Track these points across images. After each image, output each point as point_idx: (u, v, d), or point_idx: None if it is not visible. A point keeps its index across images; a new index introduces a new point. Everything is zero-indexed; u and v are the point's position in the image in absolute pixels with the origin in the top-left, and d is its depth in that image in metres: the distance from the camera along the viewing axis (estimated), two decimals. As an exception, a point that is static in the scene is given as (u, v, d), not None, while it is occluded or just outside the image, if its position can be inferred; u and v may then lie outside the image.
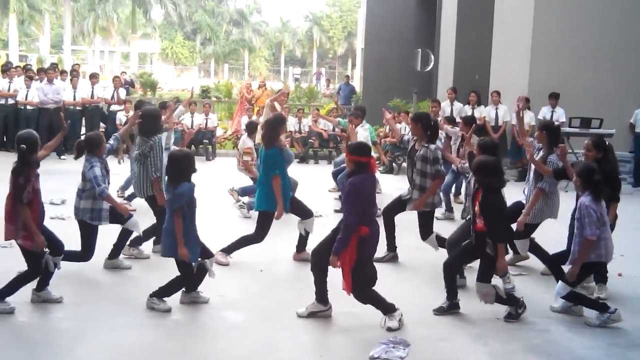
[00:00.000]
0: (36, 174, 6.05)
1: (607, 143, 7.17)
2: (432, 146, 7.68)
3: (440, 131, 10.91)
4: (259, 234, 7.71)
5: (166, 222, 6.15)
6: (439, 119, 13.51)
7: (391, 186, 12.23)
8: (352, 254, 5.76)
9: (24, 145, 5.92)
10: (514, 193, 8.25)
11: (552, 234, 7.96)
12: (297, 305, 6.29)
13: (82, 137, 7.57)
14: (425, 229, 7.86)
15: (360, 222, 5.77)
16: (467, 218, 7.32)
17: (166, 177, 6.49)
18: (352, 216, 5.78)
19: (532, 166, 7.56)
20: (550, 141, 7.55)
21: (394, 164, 15.16)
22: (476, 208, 6.15)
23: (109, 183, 7.21)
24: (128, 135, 9.69)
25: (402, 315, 6.03)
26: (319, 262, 6.15)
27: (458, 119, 14.82)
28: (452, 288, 6.42)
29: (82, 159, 7.20)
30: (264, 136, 7.82)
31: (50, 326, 5.99)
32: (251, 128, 11.16)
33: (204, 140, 17.30)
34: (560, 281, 6.29)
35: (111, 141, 7.52)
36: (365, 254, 5.87)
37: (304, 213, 8.00)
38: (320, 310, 6.17)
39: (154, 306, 6.16)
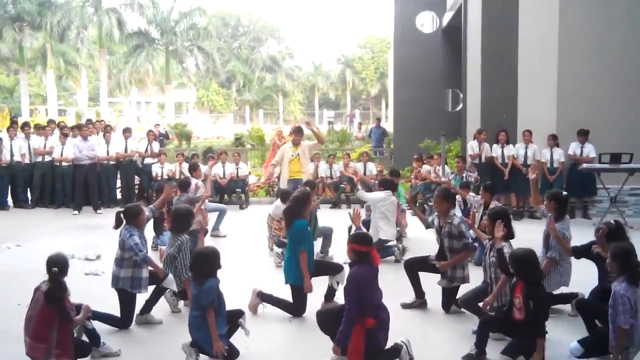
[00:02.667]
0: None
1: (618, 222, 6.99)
2: (455, 220, 7.78)
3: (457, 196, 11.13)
4: (297, 308, 7.84)
5: (191, 317, 6.20)
6: (465, 174, 13.69)
7: (422, 230, 12.16)
8: (360, 347, 5.76)
9: (56, 269, 5.88)
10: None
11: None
12: (323, 356, 6.33)
13: (121, 209, 7.71)
14: (448, 302, 7.93)
15: (364, 314, 5.78)
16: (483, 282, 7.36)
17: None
18: (352, 309, 5.80)
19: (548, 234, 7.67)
20: (559, 211, 7.67)
21: (425, 205, 15.20)
22: (516, 301, 6.11)
23: (147, 250, 7.43)
24: (164, 205, 9.80)
25: None
26: (325, 323, 6.31)
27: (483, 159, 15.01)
28: (482, 342, 6.38)
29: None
30: (290, 211, 7.98)
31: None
32: (284, 196, 11.32)
33: (237, 189, 17.53)
34: (577, 342, 6.19)
35: (147, 212, 7.74)
36: (375, 344, 5.87)
37: (333, 270, 8.14)
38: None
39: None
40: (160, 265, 7.82)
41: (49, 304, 5.78)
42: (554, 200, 7.80)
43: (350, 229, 6.32)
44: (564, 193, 8.13)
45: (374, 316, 5.86)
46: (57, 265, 5.92)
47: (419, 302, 8.18)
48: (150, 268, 7.46)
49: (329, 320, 6.25)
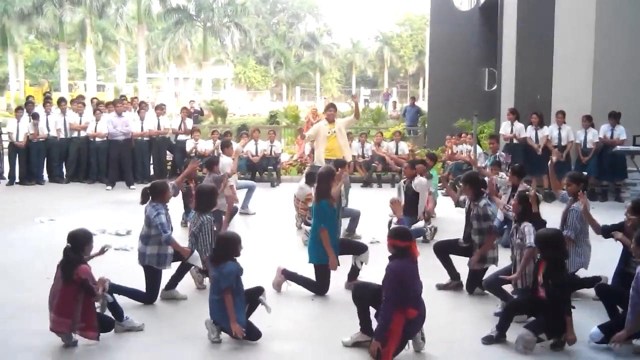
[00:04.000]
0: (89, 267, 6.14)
1: None
2: (481, 202, 7.77)
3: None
4: (321, 287, 7.87)
5: (213, 294, 6.28)
6: (498, 154, 13.47)
7: (451, 210, 12.10)
8: (398, 335, 5.80)
9: (69, 244, 6.07)
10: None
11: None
12: (344, 335, 6.39)
13: (148, 185, 7.81)
14: (472, 284, 7.93)
15: (406, 304, 5.82)
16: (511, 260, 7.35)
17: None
18: (390, 302, 5.81)
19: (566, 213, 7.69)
20: (577, 191, 7.60)
21: (456, 186, 15.14)
22: (539, 278, 6.13)
23: (172, 229, 7.54)
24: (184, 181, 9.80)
25: None
26: (361, 295, 6.29)
27: (515, 140, 14.85)
28: (505, 326, 6.38)
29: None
30: (317, 190, 8.04)
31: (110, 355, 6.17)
32: (310, 178, 11.36)
33: (269, 167, 17.60)
34: (597, 327, 6.21)
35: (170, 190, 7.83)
36: (409, 336, 5.95)
37: (357, 250, 8.13)
38: (365, 340, 6.20)
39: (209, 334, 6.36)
40: (185, 244, 7.89)
41: (64, 278, 5.92)
42: (573, 180, 7.73)
43: (390, 223, 6.28)
44: (584, 173, 8.04)
45: (416, 307, 5.90)
46: (72, 241, 6.07)
47: (455, 284, 8.16)
48: None
49: (364, 295, 6.26)
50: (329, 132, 12.51)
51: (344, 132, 12.74)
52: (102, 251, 6.91)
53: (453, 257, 8.23)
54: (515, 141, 15.26)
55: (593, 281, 7.62)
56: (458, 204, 8.48)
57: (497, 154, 13.71)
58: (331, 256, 7.75)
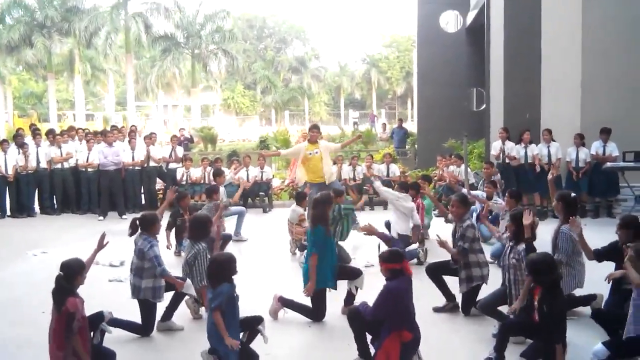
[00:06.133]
0: (81, 300, 6.01)
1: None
2: (465, 223, 7.81)
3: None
4: (318, 313, 7.86)
5: (209, 325, 6.17)
6: (495, 178, 13.38)
7: (444, 232, 12.11)
8: (395, 358, 5.78)
9: (61, 273, 5.97)
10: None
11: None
12: (341, 361, 6.37)
13: (138, 216, 7.76)
14: (467, 306, 7.93)
15: (401, 326, 5.83)
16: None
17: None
18: (375, 314, 5.90)
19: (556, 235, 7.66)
20: (566, 212, 7.58)
21: (447, 207, 15.13)
22: (535, 303, 6.05)
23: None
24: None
25: None
26: (357, 320, 6.26)
27: (507, 160, 14.87)
28: (502, 347, 6.30)
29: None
30: (313, 215, 8.02)
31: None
32: (299, 197, 11.53)
33: (260, 193, 17.60)
34: (602, 344, 6.03)
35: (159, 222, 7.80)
36: (406, 358, 5.90)
37: (352, 275, 8.09)
38: (363, 365, 6.22)
39: None
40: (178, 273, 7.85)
41: (55, 307, 5.82)
42: (562, 201, 7.76)
43: (379, 247, 6.28)
44: (572, 194, 8.03)
45: (411, 330, 5.89)
46: (65, 270, 5.97)
47: (451, 306, 8.16)
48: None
49: (360, 321, 6.21)
50: (309, 153, 12.57)
51: (328, 155, 12.79)
52: (102, 245, 6.95)
53: (447, 278, 8.23)
54: (507, 160, 15.31)
55: (588, 299, 7.63)
56: (448, 220, 8.54)
57: (495, 178, 13.54)
58: (311, 282, 7.72)
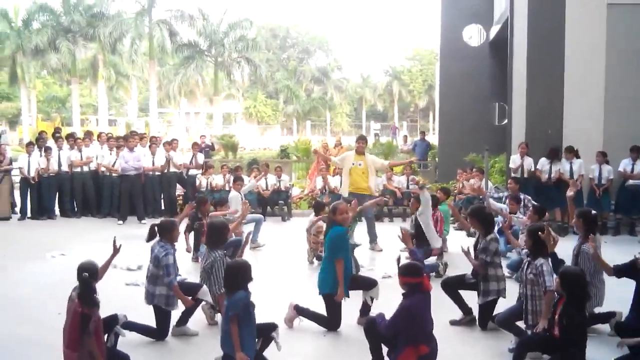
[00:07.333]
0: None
1: None
2: (489, 237, 7.79)
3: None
4: (333, 322, 7.80)
5: (223, 324, 6.17)
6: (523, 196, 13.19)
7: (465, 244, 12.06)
8: None
9: (87, 274, 5.89)
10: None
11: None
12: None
13: (157, 222, 7.75)
14: (484, 319, 7.88)
15: (418, 341, 5.76)
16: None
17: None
18: (390, 330, 5.86)
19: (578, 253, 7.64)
20: (586, 229, 7.56)
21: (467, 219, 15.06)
22: (556, 317, 6.02)
23: (176, 274, 7.49)
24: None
25: None
26: (373, 331, 6.21)
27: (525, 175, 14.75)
28: None
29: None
30: (329, 219, 8.04)
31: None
32: (318, 208, 11.49)
33: (279, 201, 17.61)
34: None
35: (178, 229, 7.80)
36: None
37: (367, 285, 8.03)
38: (378, 377, 6.18)
39: None
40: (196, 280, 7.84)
41: (84, 306, 5.77)
42: (582, 218, 7.70)
43: (399, 259, 6.22)
44: (593, 212, 7.97)
45: (428, 344, 5.82)
46: (88, 271, 5.92)
47: (468, 319, 8.10)
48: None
49: (376, 331, 6.17)
50: (353, 164, 12.61)
51: (373, 168, 12.80)
52: (116, 250, 6.95)
53: (464, 292, 8.17)
54: (525, 175, 15.24)
55: (607, 317, 7.55)
56: (470, 233, 8.49)
57: (522, 196, 13.17)
58: (341, 287, 7.66)
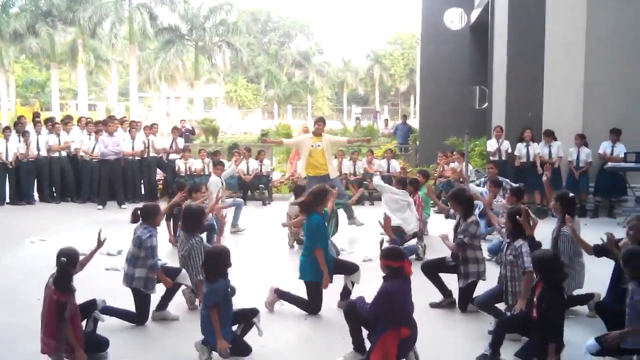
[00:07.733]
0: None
1: None
2: (469, 219, 7.81)
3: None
4: (314, 306, 7.80)
5: (202, 309, 6.19)
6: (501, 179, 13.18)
7: (444, 228, 12.14)
8: (392, 355, 5.71)
9: (65, 259, 5.81)
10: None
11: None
12: (337, 354, 6.33)
13: (140, 206, 7.72)
14: (464, 302, 7.91)
15: (400, 324, 5.75)
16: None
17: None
18: (371, 313, 5.84)
19: (557, 236, 7.65)
20: (563, 211, 7.56)
21: (447, 203, 15.12)
22: (534, 300, 6.02)
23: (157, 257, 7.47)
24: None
25: None
26: (353, 314, 6.22)
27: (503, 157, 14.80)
28: (498, 344, 6.29)
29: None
30: (305, 204, 7.96)
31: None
32: (298, 191, 11.46)
33: (260, 185, 17.60)
34: (594, 339, 5.97)
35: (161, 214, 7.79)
36: (403, 353, 5.85)
37: (349, 269, 8.04)
38: (358, 360, 6.20)
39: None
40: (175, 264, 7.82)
41: (59, 292, 5.71)
42: (560, 201, 7.74)
43: (381, 243, 6.15)
44: (571, 194, 8.00)
45: (409, 327, 5.82)
46: (67, 256, 5.86)
47: (448, 302, 8.13)
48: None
49: (356, 315, 6.17)
50: (312, 145, 12.57)
51: (330, 148, 12.77)
52: (100, 243, 6.89)
53: (443, 275, 8.21)
54: (503, 158, 15.35)
55: (586, 298, 7.61)
56: (448, 215, 8.51)
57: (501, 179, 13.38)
58: (325, 275, 7.66)
